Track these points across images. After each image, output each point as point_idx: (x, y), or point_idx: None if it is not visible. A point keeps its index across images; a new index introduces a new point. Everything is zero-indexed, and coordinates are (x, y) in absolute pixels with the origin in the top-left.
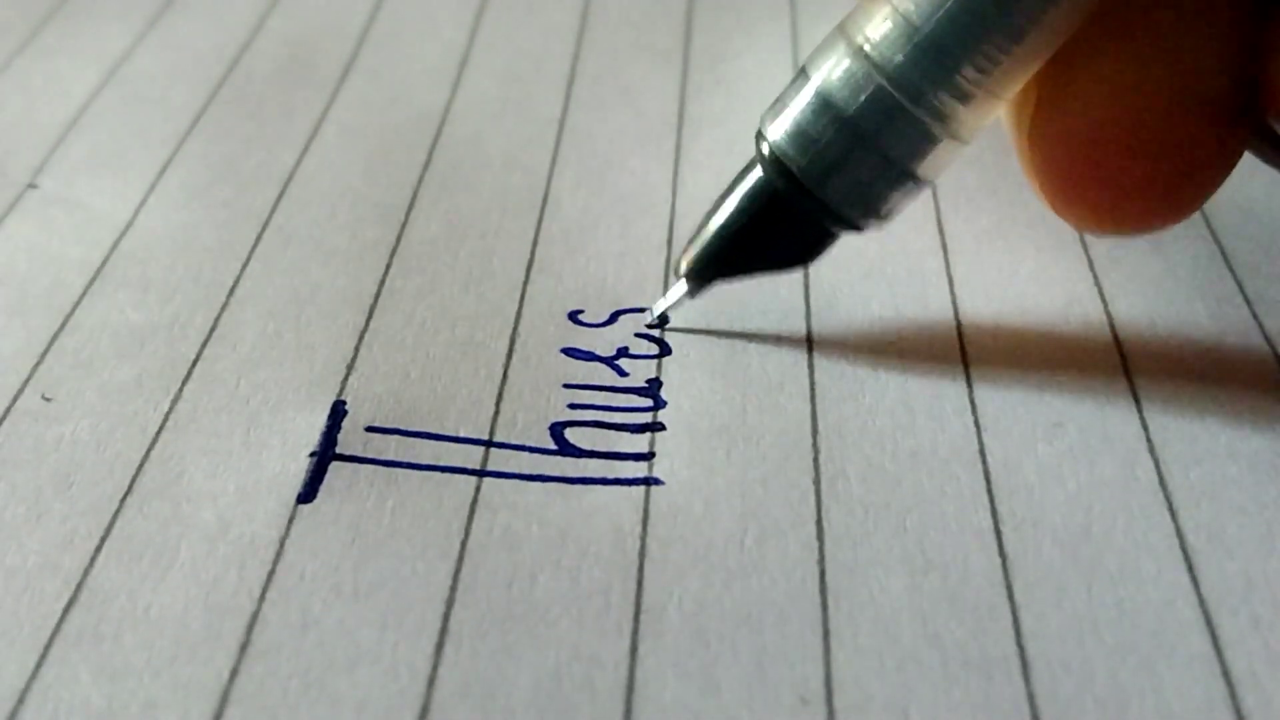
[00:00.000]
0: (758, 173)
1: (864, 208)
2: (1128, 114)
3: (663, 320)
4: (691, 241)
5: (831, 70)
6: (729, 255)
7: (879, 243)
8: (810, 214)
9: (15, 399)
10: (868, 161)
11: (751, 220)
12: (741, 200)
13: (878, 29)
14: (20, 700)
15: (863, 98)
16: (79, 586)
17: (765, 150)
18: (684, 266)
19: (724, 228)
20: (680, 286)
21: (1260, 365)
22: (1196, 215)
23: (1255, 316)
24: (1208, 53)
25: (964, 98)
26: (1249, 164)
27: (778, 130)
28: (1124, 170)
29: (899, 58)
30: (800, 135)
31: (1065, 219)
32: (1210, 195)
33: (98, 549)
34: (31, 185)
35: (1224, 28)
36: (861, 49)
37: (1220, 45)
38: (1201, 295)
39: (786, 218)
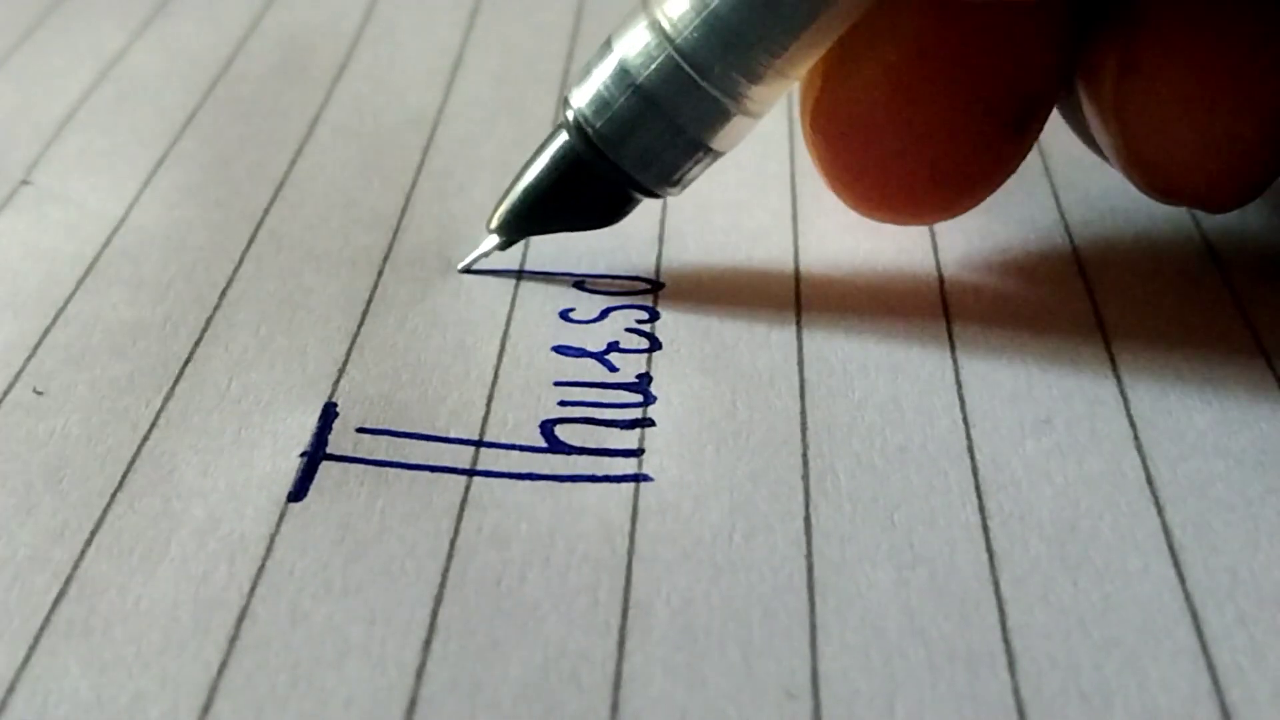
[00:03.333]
0: (563, 136)
1: (657, 174)
2: (901, 107)
3: (467, 270)
4: (500, 199)
5: (631, 42)
6: (534, 212)
7: (870, 240)
8: (608, 177)
9: (7, 391)
10: (659, 130)
11: (554, 180)
12: (547, 161)
13: (676, 6)
14: (10, 690)
15: (654, 68)
16: (69, 579)
17: (569, 115)
18: (493, 222)
19: (529, 187)
20: (491, 240)
21: (1247, 363)
22: (1188, 216)
23: (1244, 316)
24: (990, 62)
25: (753, 76)
26: None
27: (581, 96)
28: (894, 160)
29: (691, 34)
30: (599, 101)
31: (844, 202)
32: (988, 194)
33: (88, 543)
34: (25, 181)
35: (1024, 43)
36: (658, 23)
37: (1005, 58)
38: (1192, 294)
39: (587, 180)
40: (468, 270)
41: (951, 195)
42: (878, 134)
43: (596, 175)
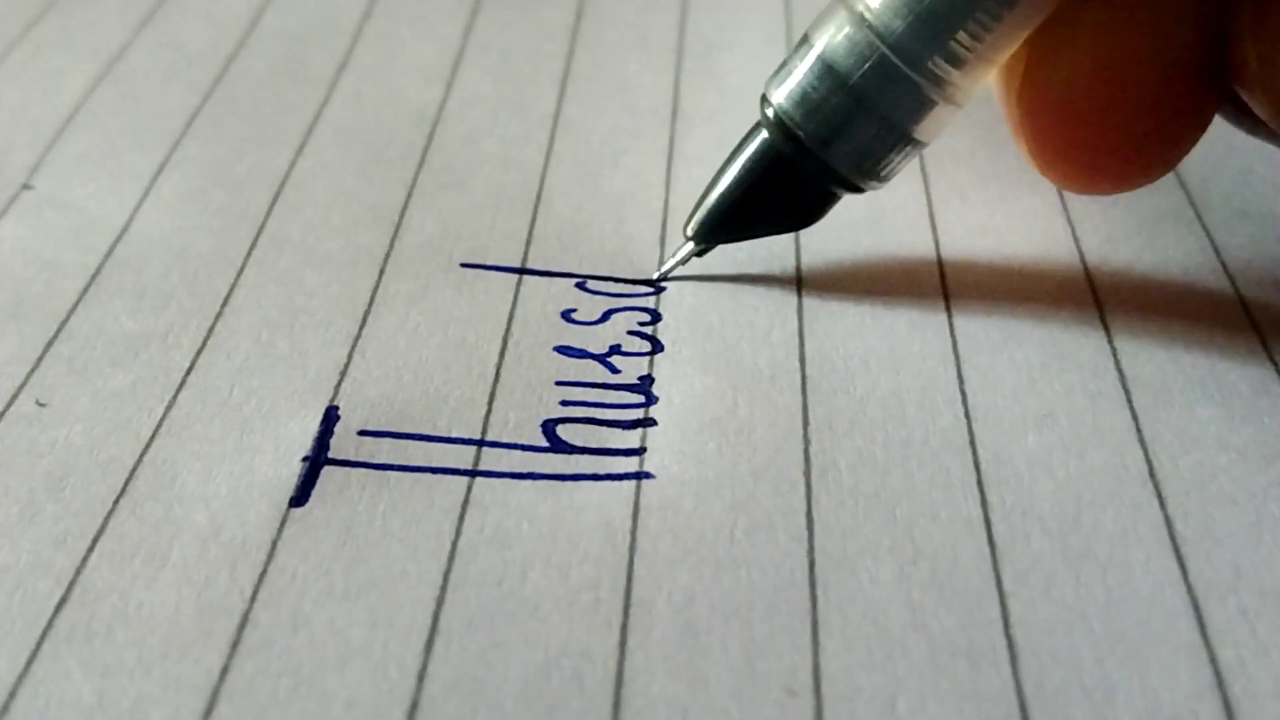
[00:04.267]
0: (763, 135)
1: (865, 169)
2: (1106, 79)
3: (664, 277)
4: (698, 203)
5: (833, 37)
6: (734, 216)
7: (870, 237)
8: (813, 176)
9: (10, 404)
10: (869, 125)
11: (756, 182)
12: (746, 162)
13: None
14: (12, 695)
15: (865, 65)
16: (71, 585)
17: (770, 114)
18: (690, 228)
19: (729, 189)
20: (687, 247)
21: (1250, 356)
22: (1190, 209)
23: (1247, 312)
24: (1181, 19)
25: (958, 63)
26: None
27: (783, 94)
28: (1103, 131)
29: (898, 24)
30: (804, 99)
31: (1049, 178)
32: (1185, 154)
33: (90, 549)
34: (26, 186)
35: None
36: (862, 16)
37: (1193, 12)
38: (1194, 289)
39: (790, 180)
40: (664, 278)
41: (1157, 158)
42: (1089, 108)
43: (801, 175)
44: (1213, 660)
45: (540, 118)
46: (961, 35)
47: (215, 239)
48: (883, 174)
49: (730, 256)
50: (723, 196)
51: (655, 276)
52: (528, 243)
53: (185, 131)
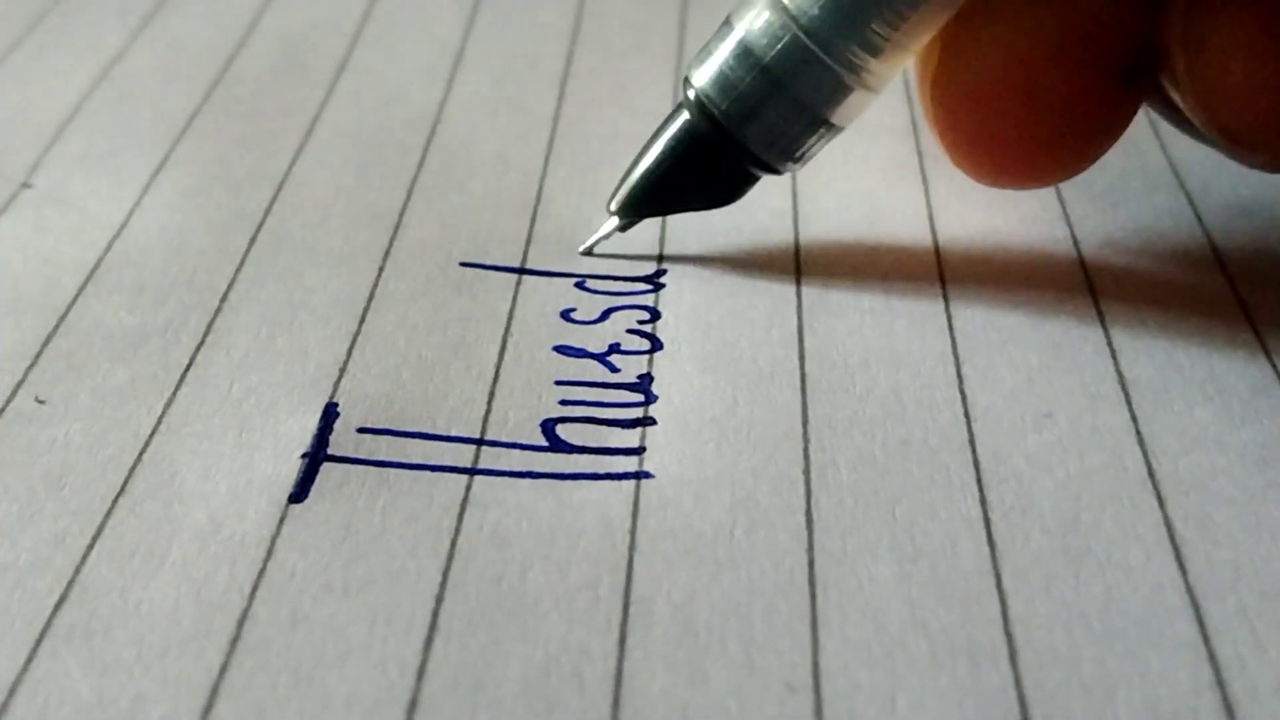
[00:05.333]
0: (684, 116)
1: (781, 151)
2: (1021, 71)
3: (588, 252)
4: (621, 180)
5: (753, 21)
6: (655, 193)
7: (871, 236)
8: (731, 156)
9: (9, 401)
10: (784, 107)
11: (676, 160)
12: (667, 142)
13: None
14: (11, 693)
15: (779, 46)
16: (70, 583)
17: (690, 95)
18: (614, 204)
19: (651, 167)
20: (611, 222)
21: (1249, 358)
22: (1189, 210)
23: (1246, 312)
24: (1102, 16)
25: (874, 50)
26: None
27: (702, 76)
28: (1016, 125)
29: (814, 10)
30: (722, 81)
31: (964, 170)
32: (1102, 153)
33: (89, 547)
34: (26, 184)
35: None
36: (780, 1)
37: (1109, 13)
38: (1193, 289)
39: (709, 159)
40: (588, 253)
41: (1071, 155)
42: (1001, 101)
43: (719, 154)
44: (1212, 659)
45: (540, 118)
46: (877, 23)
47: (214, 235)
48: (798, 155)
49: (730, 257)
50: (645, 174)
51: (580, 250)
52: (527, 242)
53: (185, 131)
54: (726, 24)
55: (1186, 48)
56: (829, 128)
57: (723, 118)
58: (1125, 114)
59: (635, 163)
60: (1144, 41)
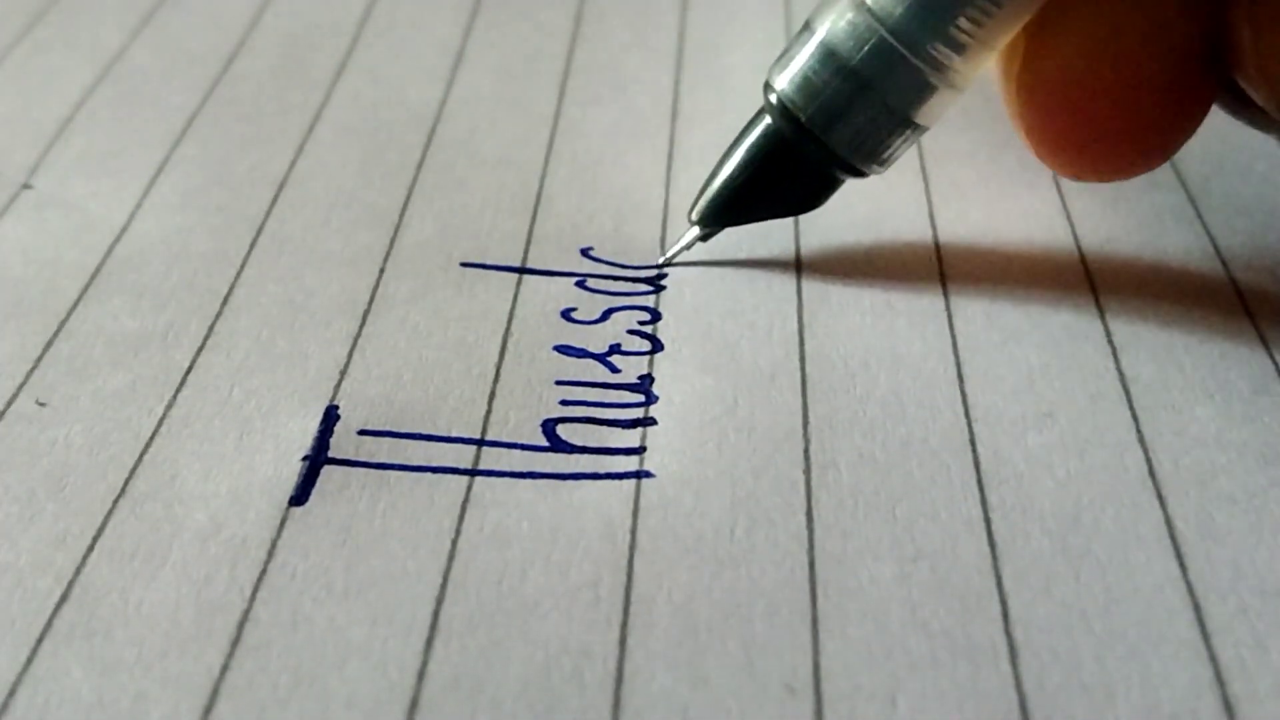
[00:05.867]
0: (766, 121)
1: (867, 153)
2: (1104, 64)
3: (669, 263)
4: (702, 188)
5: (835, 23)
6: (738, 200)
7: (871, 238)
8: (816, 160)
9: (10, 403)
10: (870, 109)
11: (760, 166)
12: (750, 147)
13: None
14: (11, 693)
15: (865, 48)
16: (71, 584)
17: (773, 99)
18: (695, 213)
19: (734, 174)
20: (692, 232)
21: (1250, 355)
22: (1190, 207)
23: (1247, 310)
24: (1177, 5)
25: (958, 48)
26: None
27: (785, 80)
28: (1101, 117)
29: (898, 10)
30: (806, 84)
31: (1049, 165)
32: (1183, 142)
33: (90, 548)
34: (26, 185)
35: None
36: (863, 2)
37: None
38: (1194, 287)
39: (793, 164)
40: (669, 264)
41: (1154, 145)
42: (1088, 94)
43: (803, 159)
44: (1212, 659)
45: (540, 117)
46: (961, 20)
47: (215, 238)
48: (884, 158)
49: (730, 257)
50: (727, 181)
51: (660, 261)
52: (527, 242)
53: (185, 132)
54: (807, 28)
55: (1252, 26)
56: (914, 128)
57: (808, 122)
58: (1204, 102)
59: (716, 170)
60: (1216, 27)
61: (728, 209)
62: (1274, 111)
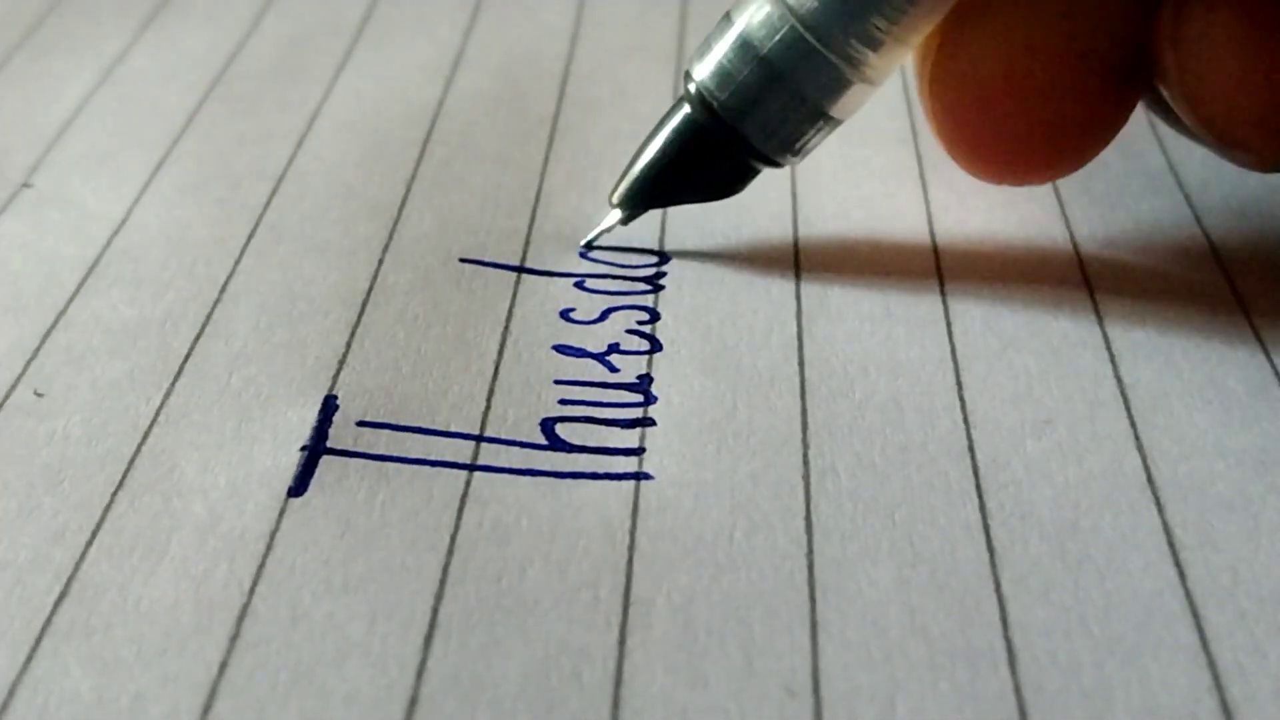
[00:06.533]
0: (685, 109)
1: (780, 143)
2: (1017, 66)
3: (590, 246)
4: (623, 173)
5: (753, 15)
6: (656, 185)
7: (870, 242)
8: (731, 148)
9: (8, 395)
10: (783, 99)
11: (677, 153)
12: (669, 134)
13: None
14: (10, 692)
15: (777, 38)
16: (70, 580)
17: (691, 88)
18: (615, 196)
19: (652, 160)
20: (613, 214)
21: (1248, 361)
22: (1188, 212)
23: (1246, 316)
24: (1099, 14)
25: (873, 43)
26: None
27: (703, 69)
28: (1011, 120)
29: (812, 4)
30: (722, 74)
31: (961, 165)
32: (1099, 148)
33: (89, 543)
34: (26, 184)
35: None
36: None
37: (1105, 11)
38: (1192, 293)
39: (709, 151)
40: (590, 246)
41: (1067, 152)
42: (997, 96)
43: (719, 146)
44: (1211, 664)
45: (540, 118)
46: (875, 18)
47: (213, 228)
48: (798, 148)
49: (730, 260)
50: (646, 166)
51: (582, 244)
52: (527, 242)
53: (185, 129)
54: (726, 19)
55: (1176, 46)
56: (828, 120)
57: (722, 110)
58: (1121, 112)
59: (636, 155)
60: (1138, 40)
61: (647, 193)
62: (1197, 130)
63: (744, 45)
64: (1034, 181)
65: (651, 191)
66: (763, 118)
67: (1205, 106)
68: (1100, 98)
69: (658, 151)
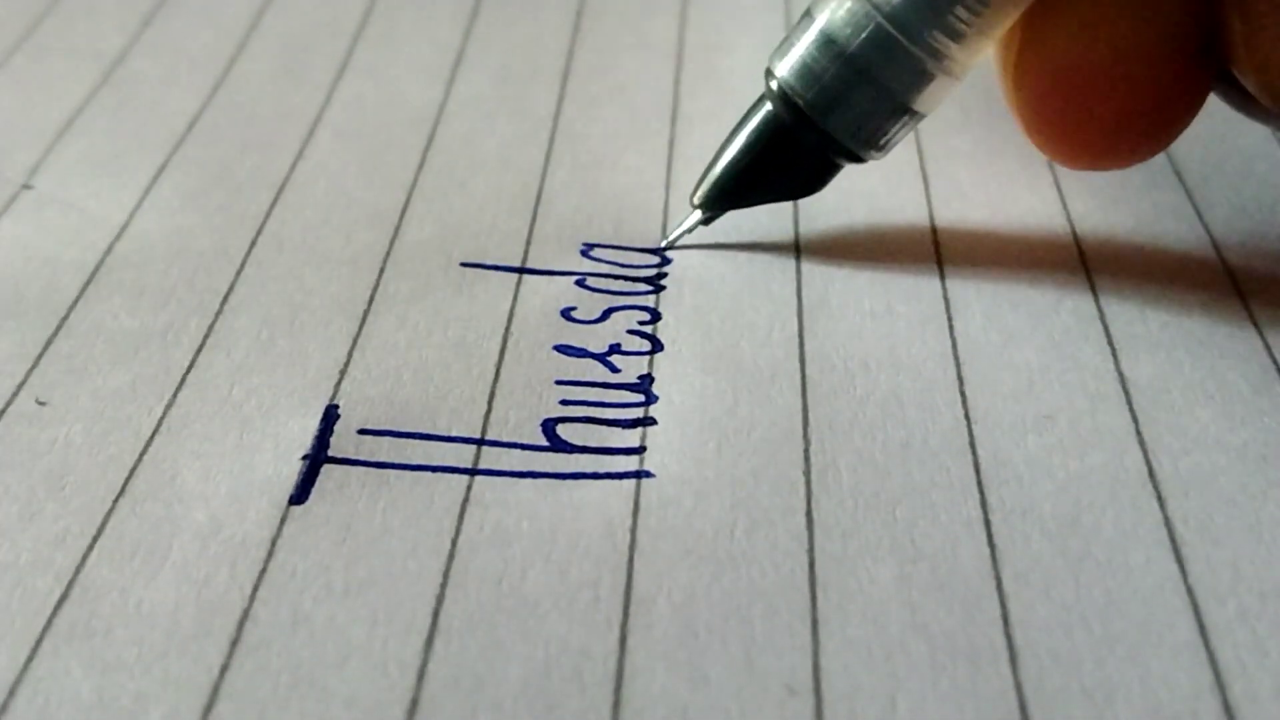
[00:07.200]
0: (767, 107)
1: (865, 139)
2: (1101, 53)
3: (671, 245)
4: (704, 173)
5: (835, 10)
6: (739, 184)
7: (870, 239)
8: (815, 145)
9: (9, 402)
10: (868, 95)
11: (761, 151)
12: (751, 133)
13: None
14: (11, 693)
15: (863, 35)
16: (71, 583)
17: (774, 86)
18: (697, 197)
19: (735, 158)
20: (694, 215)
21: (1250, 356)
22: (1190, 208)
23: (1247, 311)
24: None
25: (956, 36)
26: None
27: (785, 67)
28: (1097, 105)
29: None
30: (805, 71)
31: (1045, 153)
32: (1178, 132)
33: (90, 547)
34: (26, 186)
35: None
36: None
37: None
38: (1194, 288)
39: (793, 149)
40: (670, 247)
41: (1149, 135)
42: (1083, 84)
43: (803, 144)
44: (1212, 661)
45: (540, 118)
46: (959, 9)
47: (215, 237)
48: (882, 143)
49: (730, 258)
50: (729, 165)
51: (663, 245)
52: (527, 243)
53: (186, 134)
54: (807, 15)
55: (1243, 15)
56: (912, 115)
57: (807, 107)
58: (1199, 92)
59: (718, 155)
60: (1210, 16)
61: (729, 193)
62: (1267, 101)
63: (827, 41)
64: (1118, 165)
65: (734, 191)
66: (848, 114)
67: (1273, 74)
68: (1180, 78)
69: (740, 150)
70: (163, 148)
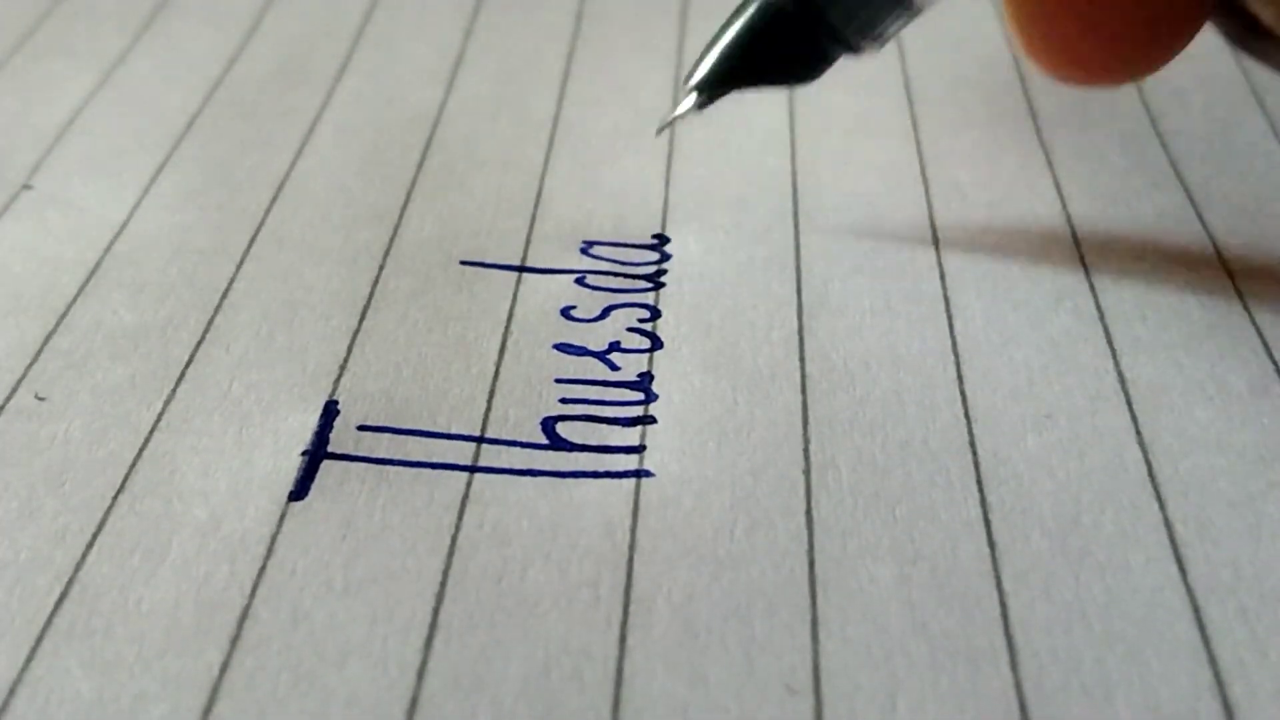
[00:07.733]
0: None
1: (859, 28)
2: None
3: (667, 126)
4: (701, 55)
5: None
6: (733, 68)
7: (871, 238)
8: (812, 32)
9: (9, 398)
10: None
11: (756, 36)
12: (750, 16)
13: None
14: (11, 691)
15: None
16: (70, 581)
17: None
18: (693, 79)
19: (732, 42)
20: (690, 98)
21: (1250, 357)
22: (1190, 209)
23: (1248, 312)
24: None
25: None
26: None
27: None
28: (1091, 21)
29: None
30: None
31: (1042, 68)
32: (1180, 48)
33: (89, 545)
34: (26, 186)
35: None
36: None
37: None
38: (1194, 289)
39: (789, 35)
40: (666, 127)
41: (1144, 52)
42: None
43: (799, 29)
44: (1212, 661)
45: (540, 119)
46: None
47: (215, 233)
48: (877, 34)
49: (730, 257)
50: (724, 49)
51: (658, 129)
52: (527, 241)
53: (185, 133)
54: None
55: None
56: (908, 8)
57: None
58: (1197, 16)
59: (714, 39)
60: None
61: (724, 76)
62: (1276, 25)
63: None
64: (1114, 82)
65: (728, 74)
66: (847, 3)
67: None
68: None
69: (736, 34)
70: (162, 147)
